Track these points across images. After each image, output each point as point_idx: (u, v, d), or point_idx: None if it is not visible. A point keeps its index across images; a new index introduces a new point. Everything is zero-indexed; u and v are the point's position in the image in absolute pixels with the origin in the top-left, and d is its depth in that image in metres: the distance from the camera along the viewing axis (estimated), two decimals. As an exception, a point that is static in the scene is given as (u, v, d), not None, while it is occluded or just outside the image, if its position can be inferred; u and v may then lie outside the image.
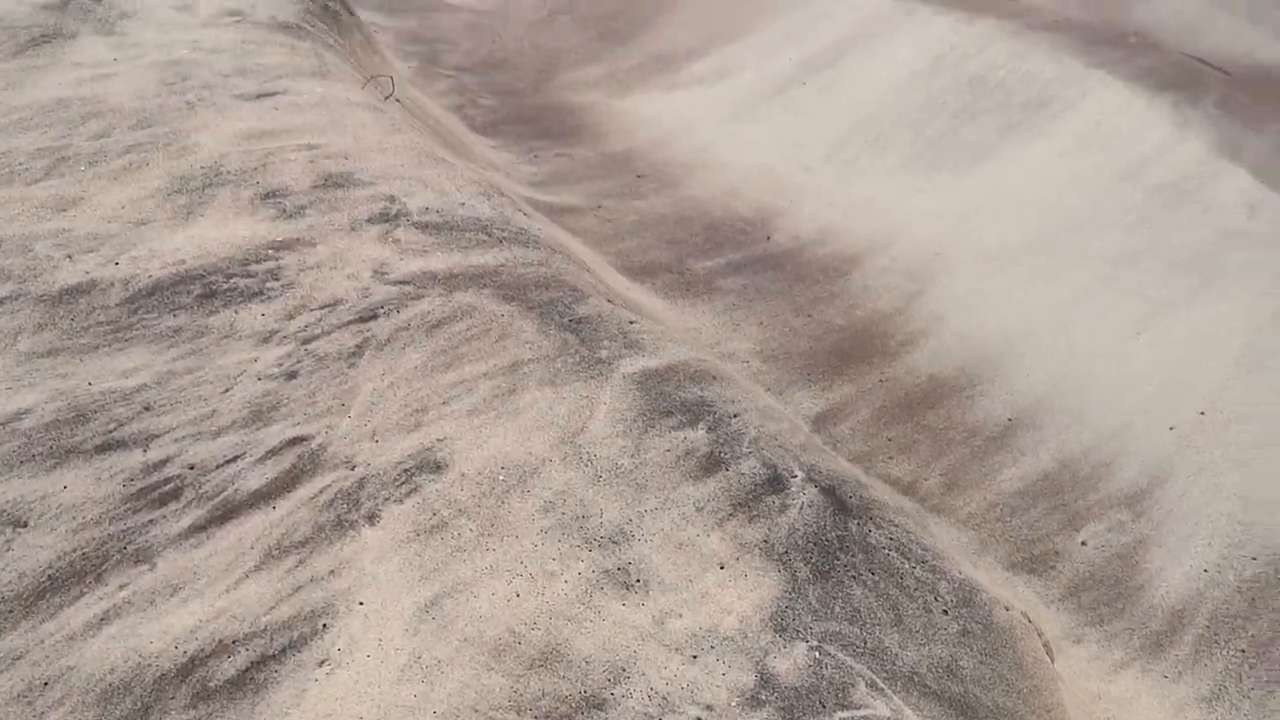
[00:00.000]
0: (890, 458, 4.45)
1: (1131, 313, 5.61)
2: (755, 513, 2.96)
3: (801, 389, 4.79)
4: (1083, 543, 4.12)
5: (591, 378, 3.36)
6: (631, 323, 3.72)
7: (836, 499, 3.04)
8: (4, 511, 2.88)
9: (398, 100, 5.03)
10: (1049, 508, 4.29)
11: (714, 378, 3.54)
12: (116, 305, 3.51)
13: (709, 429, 3.20)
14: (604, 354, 3.48)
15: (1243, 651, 3.73)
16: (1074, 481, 4.44)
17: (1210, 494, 4.41)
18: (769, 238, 6.17)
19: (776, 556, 2.86)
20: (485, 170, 5.42)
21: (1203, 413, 4.88)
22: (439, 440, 3.14)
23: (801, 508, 2.99)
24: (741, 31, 9.32)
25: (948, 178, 7.12)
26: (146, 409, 3.19)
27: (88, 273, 3.60)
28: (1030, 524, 4.19)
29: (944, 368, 5.14)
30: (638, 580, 2.79)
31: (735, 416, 3.30)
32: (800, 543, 2.89)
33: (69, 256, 3.65)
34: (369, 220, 3.93)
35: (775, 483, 3.05)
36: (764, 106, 7.98)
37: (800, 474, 3.10)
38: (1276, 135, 7.55)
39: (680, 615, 2.72)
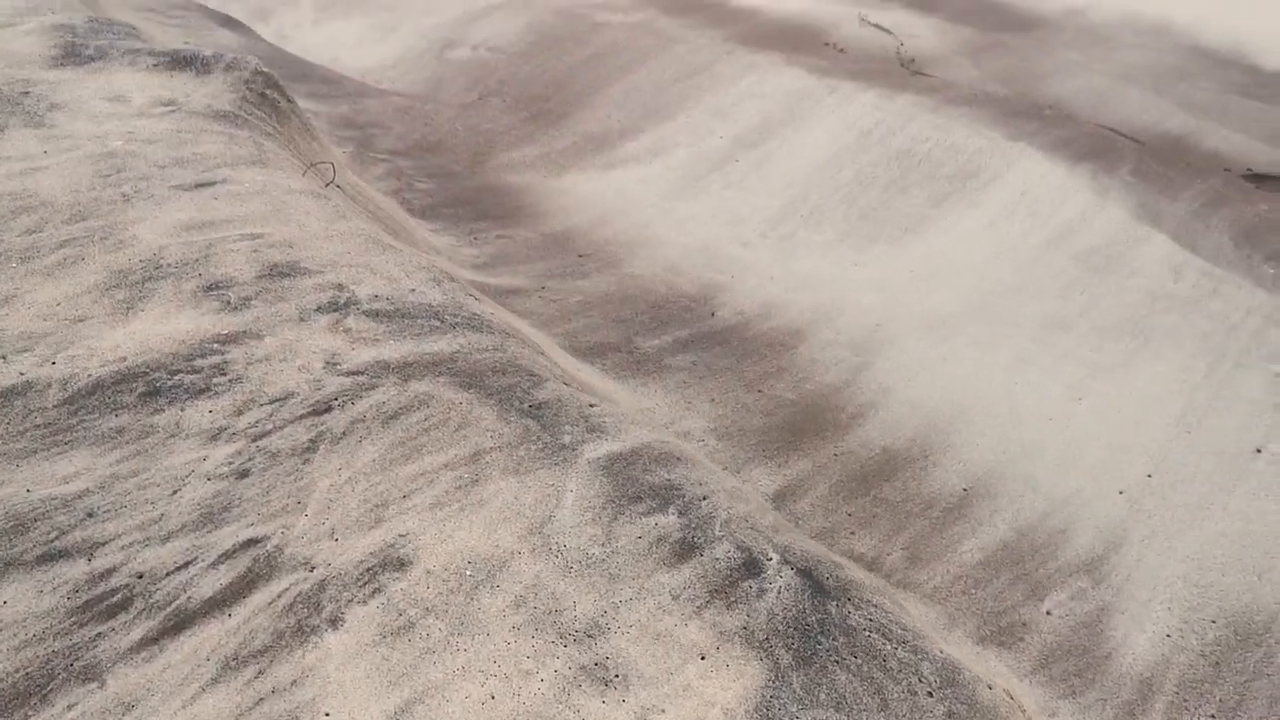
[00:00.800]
0: (852, 533, 4.42)
1: (1071, 377, 5.70)
2: (733, 599, 2.90)
3: (759, 466, 4.75)
4: (1048, 612, 4.11)
5: (556, 465, 3.28)
6: (592, 406, 3.66)
7: (813, 580, 2.99)
8: (-63, 632, 2.70)
9: (338, 186, 4.96)
10: (1012, 578, 4.28)
11: (679, 459, 3.48)
12: (54, 407, 3.35)
13: (679, 513, 3.14)
14: (567, 439, 3.41)
15: (1212, 717, 3.73)
16: (1033, 550, 4.44)
17: (1164, 557, 4.44)
18: (713, 314, 6.18)
19: (758, 644, 2.79)
20: (429, 254, 5.35)
21: (1150, 475, 4.94)
22: (401, 536, 3.03)
23: (779, 591, 2.93)
24: (673, 110, 9.45)
25: (883, 250, 7.24)
26: (90, 515, 3.03)
27: (22, 374, 3.44)
28: (995, 595, 4.18)
29: (896, 439, 5.15)
30: (617, 675, 2.70)
31: (704, 499, 3.25)
32: (781, 628, 2.83)
33: (2, 357, 3.49)
34: (318, 310, 3.83)
35: (751, 566, 2.99)
36: (700, 184, 8.06)
37: (775, 556, 3.04)
38: (1190, 201, 7.83)
39: (663, 711, 2.63)
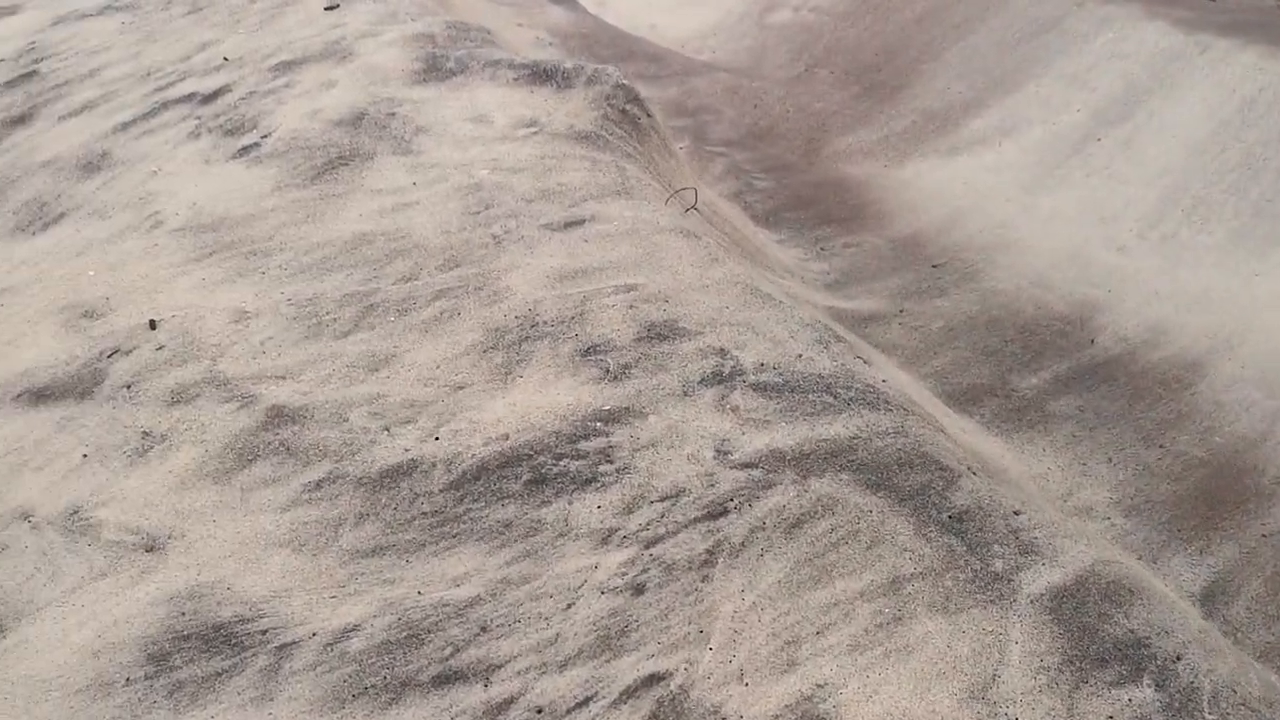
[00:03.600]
0: (1307, 655, 3.69)
1: None
2: (1242, 821, 2.34)
3: (1176, 553, 4.08)
4: None
5: (991, 602, 2.80)
6: (1017, 514, 3.14)
7: (1346, 804, 2.38)
8: (342, 762, 2.56)
9: (698, 210, 4.60)
10: None
11: (1132, 591, 2.92)
12: (440, 491, 3.18)
13: (1156, 685, 2.59)
14: (998, 565, 2.91)
15: None
16: None
17: None
18: (1093, 340, 5.44)
19: None
20: (783, 279, 4.93)
21: None
22: (819, 687, 2.65)
23: (1303, 817, 2.35)
24: (1020, 79, 8.52)
25: (1289, 257, 6.18)
26: (483, 629, 2.83)
27: (407, 450, 3.29)
28: None
29: (1339, 518, 4.31)
30: None
31: (1179, 659, 2.68)
32: None
33: (386, 429, 3.36)
34: (701, 382, 3.49)
35: (1261, 776, 2.42)
36: (1059, 171, 7.19)
37: (1290, 763, 2.45)
38: None
39: None
